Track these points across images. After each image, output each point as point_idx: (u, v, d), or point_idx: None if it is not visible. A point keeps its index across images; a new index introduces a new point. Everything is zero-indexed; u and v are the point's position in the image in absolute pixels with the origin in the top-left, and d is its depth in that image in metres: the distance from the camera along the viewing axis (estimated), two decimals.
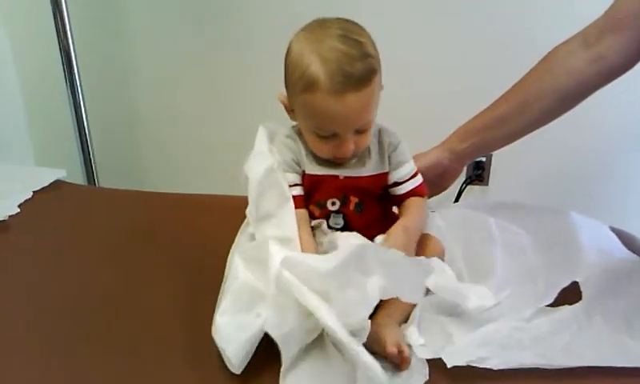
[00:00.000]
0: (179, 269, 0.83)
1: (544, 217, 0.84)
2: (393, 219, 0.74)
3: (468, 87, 1.30)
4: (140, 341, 0.69)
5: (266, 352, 0.60)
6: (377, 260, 0.60)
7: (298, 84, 0.67)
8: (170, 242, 0.91)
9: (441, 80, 1.41)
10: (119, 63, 1.56)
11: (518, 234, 0.82)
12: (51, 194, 1.07)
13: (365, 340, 0.58)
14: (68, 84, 1.36)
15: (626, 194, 1.46)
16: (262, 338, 0.60)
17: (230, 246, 0.74)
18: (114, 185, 1.25)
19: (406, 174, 0.75)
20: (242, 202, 0.72)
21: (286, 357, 0.58)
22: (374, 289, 0.59)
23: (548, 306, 0.69)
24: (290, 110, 0.73)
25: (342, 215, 0.73)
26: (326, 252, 0.68)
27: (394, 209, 0.79)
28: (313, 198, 0.74)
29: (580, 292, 0.69)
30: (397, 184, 0.76)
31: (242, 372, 0.60)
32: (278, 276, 0.59)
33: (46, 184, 1.09)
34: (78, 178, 1.43)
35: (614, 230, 0.83)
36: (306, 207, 0.74)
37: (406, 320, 0.67)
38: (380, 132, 0.75)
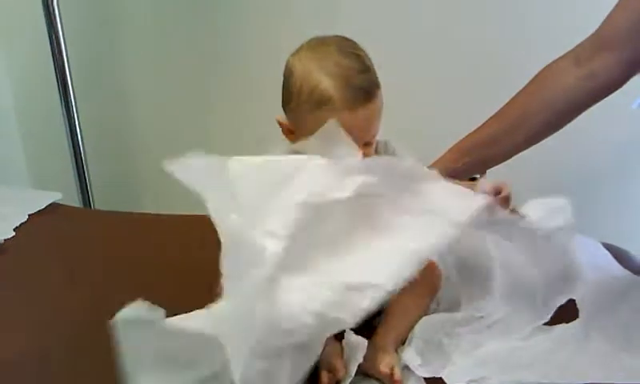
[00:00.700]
0: (177, 292, 0.82)
1: (539, 234, 0.85)
2: None
3: (463, 101, 1.30)
4: None
5: None
6: None
7: (307, 102, 0.67)
8: (167, 264, 0.90)
9: (436, 93, 1.41)
10: (115, 86, 1.57)
11: (513, 251, 0.82)
12: (47, 217, 1.07)
13: (361, 360, 0.59)
14: (63, 106, 1.36)
15: (620, 209, 1.48)
16: None
17: None
18: (109, 207, 1.25)
19: None
20: None
21: None
22: None
23: (545, 323, 0.69)
24: (290, 132, 0.73)
25: None
26: None
27: None
28: None
29: (576, 309, 0.69)
30: None
31: None
32: None
33: (42, 207, 1.08)
34: (74, 200, 1.42)
35: (606, 246, 0.84)
36: None
37: (403, 342, 0.67)
38: (386, 144, 0.76)
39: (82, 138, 1.40)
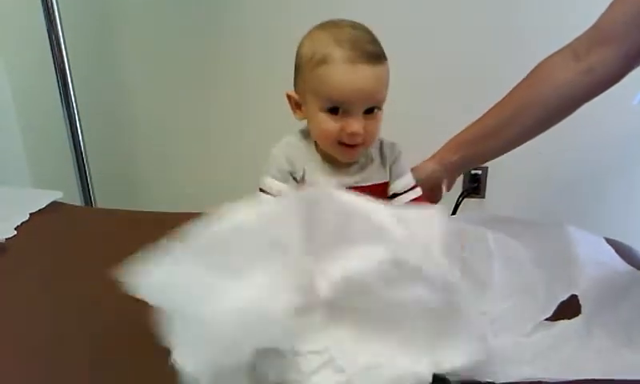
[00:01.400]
0: None
1: (541, 230, 0.84)
2: None
3: (461, 97, 1.30)
4: (142, 364, 0.68)
5: None
6: None
7: (311, 63, 0.68)
8: None
9: (434, 91, 1.42)
10: (116, 84, 1.57)
11: (515, 247, 0.82)
12: (48, 216, 1.07)
13: None
14: (64, 105, 1.36)
15: (622, 205, 1.47)
16: None
17: None
18: (111, 205, 1.25)
19: (406, 184, 0.76)
20: None
21: None
22: None
23: (547, 319, 0.69)
24: (298, 106, 0.72)
25: None
26: None
27: None
28: None
29: (579, 305, 0.69)
30: (397, 195, 0.76)
31: None
32: None
33: (43, 206, 1.08)
34: (75, 199, 1.42)
35: (609, 241, 0.84)
36: None
37: None
38: (381, 143, 0.76)
39: (82, 136, 1.39)
